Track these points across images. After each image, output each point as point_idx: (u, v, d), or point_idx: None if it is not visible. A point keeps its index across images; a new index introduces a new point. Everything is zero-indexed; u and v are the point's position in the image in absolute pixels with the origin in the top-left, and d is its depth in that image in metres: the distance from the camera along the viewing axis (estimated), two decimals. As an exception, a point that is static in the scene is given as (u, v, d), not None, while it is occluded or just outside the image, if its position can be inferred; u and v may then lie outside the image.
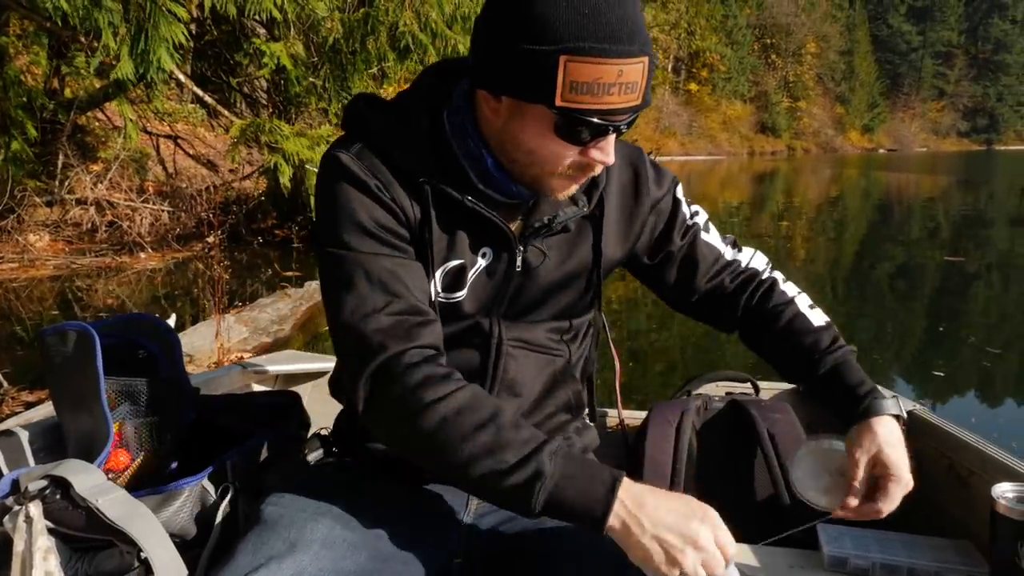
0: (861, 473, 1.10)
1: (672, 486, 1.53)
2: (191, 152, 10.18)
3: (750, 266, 1.31)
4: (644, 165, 1.21)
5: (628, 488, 0.90)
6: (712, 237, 1.29)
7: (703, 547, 0.87)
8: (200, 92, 8.60)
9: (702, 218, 1.29)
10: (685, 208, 1.27)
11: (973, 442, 1.40)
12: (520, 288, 1.10)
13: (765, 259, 1.33)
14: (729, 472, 1.56)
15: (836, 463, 1.17)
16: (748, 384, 1.79)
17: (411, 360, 0.97)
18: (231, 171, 9.65)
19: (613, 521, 0.88)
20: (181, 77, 8.28)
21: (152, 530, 1.01)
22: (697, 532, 0.88)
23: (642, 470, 1.54)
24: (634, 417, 1.75)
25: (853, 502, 1.10)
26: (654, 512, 0.88)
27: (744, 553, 1.34)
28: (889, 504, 1.09)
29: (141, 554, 0.99)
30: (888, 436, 1.11)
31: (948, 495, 1.45)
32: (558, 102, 0.91)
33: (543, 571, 0.96)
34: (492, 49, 0.96)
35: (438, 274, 1.05)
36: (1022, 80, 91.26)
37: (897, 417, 1.13)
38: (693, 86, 54.12)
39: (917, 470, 1.56)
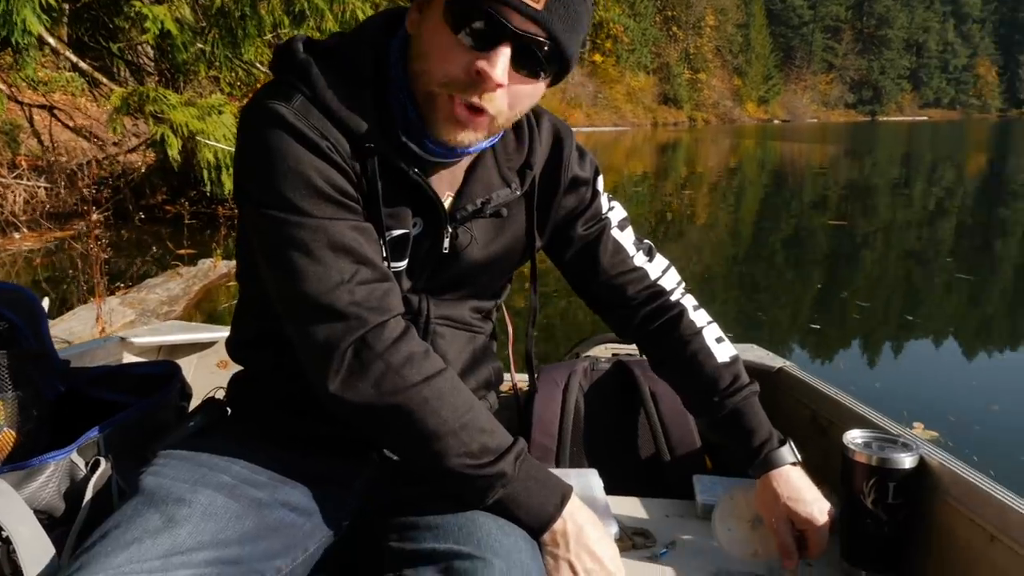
0: (781, 536, 1.16)
1: (559, 444, 1.58)
2: (70, 124, 9.54)
3: (659, 282, 1.27)
4: (569, 142, 1.17)
5: (573, 507, 0.99)
6: (623, 237, 1.26)
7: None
8: (77, 59, 8.05)
9: (617, 215, 1.26)
10: (603, 200, 1.24)
11: (832, 394, 1.51)
12: (446, 266, 1.09)
13: (677, 278, 1.29)
14: (614, 430, 1.62)
15: (753, 511, 1.22)
16: (633, 345, 1.85)
17: (392, 334, 0.96)
18: (115, 144, 9.12)
19: (549, 532, 0.97)
20: (53, 42, 7.72)
21: (12, 507, 0.96)
22: (613, 572, 0.97)
23: (531, 430, 1.59)
24: (525, 381, 1.79)
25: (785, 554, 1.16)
26: (586, 538, 0.97)
27: (625, 504, 1.41)
28: (819, 548, 1.15)
29: (2, 532, 0.94)
30: (791, 491, 1.15)
31: (811, 444, 1.56)
32: None
33: (423, 522, 0.98)
34: None
35: (384, 242, 1.03)
36: (903, 55, 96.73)
37: (795, 463, 1.18)
38: (598, 57, 54.63)
39: (783, 422, 1.69)
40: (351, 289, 0.95)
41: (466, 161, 1.08)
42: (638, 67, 60.30)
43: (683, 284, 1.30)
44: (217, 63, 7.70)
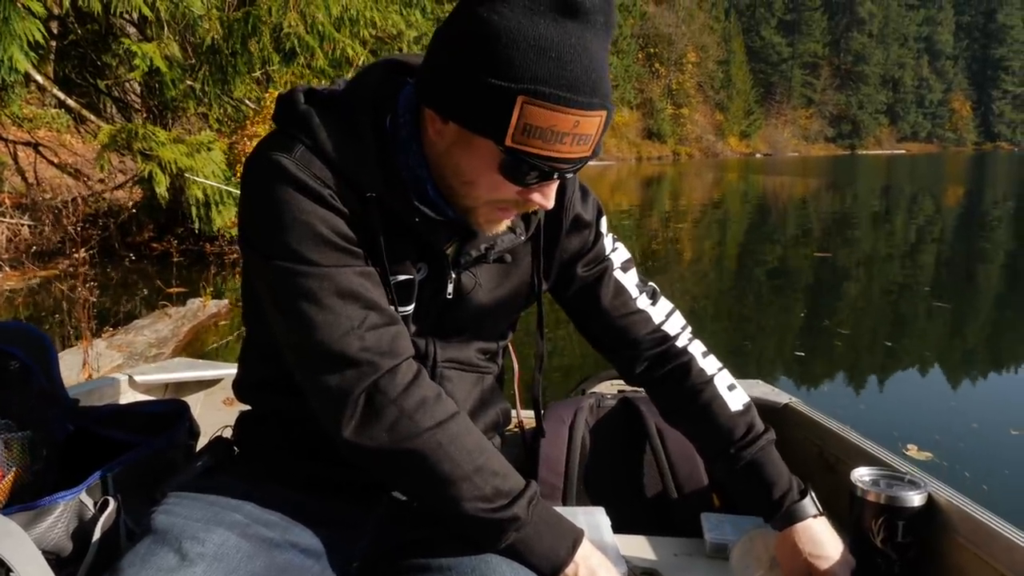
0: None
1: (566, 482, 1.58)
2: (55, 161, 9.50)
3: (663, 327, 1.26)
4: (572, 183, 1.17)
5: (585, 551, 0.99)
6: (626, 279, 1.25)
7: None
8: (63, 96, 8.06)
9: (620, 257, 1.26)
10: (606, 242, 1.24)
11: (838, 430, 1.53)
12: (452, 310, 1.10)
13: (683, 322, 1.29)
14: (620, 467, 1.62)
15: (771, 554, 1.21)
16: (637, 382, 1.86)
17: (404, 379, 0.97)
18: (101, 181, 9.08)
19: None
20: (40, 79, 7.74)
21: (21, 548, 0.95)
22: None
23: (537, 468, 1.58)
24: (531, 418, 1.79)
25: None
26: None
27: (633, 543, 1.40)
28: None
29: (11, 574, 0.93)
30: (814, 547, 1.15)
31: (818, 481, 1.56)
32: (508, 142, 0.89)
33: (434, 563, 0.98)
34: (449, 72, 0.92)
35: (389, 288, 1.04)
36: (879, 90, 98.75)
37: (817, 515, 1.17)
38: (581, 93, 55.24)
39: (791, 458, 1.70)
40: (361, 335, 0.96)
41: None
42: (622, 103, 61.13)
43: (689, 329, 1.30)
44: (206, 100, 7.74)
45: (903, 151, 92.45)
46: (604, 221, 1.24)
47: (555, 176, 0.94)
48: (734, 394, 1.25)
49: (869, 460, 1.34)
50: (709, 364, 1.26)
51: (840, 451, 1.49)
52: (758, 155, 75.75)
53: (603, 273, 1.23)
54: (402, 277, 1.05)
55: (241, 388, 1.18)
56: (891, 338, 5.83)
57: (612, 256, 1.24)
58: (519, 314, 1.25)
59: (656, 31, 66.41)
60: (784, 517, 1.18)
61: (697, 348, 1.28)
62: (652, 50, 66.84)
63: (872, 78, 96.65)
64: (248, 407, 1.18)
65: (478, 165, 0.94)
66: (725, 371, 1.27)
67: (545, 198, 0.96)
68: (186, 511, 0.99)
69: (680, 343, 1.26)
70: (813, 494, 1.19)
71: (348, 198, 0.99)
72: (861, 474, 1.23)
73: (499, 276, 1.13)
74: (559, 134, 0.88)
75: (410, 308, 1.07)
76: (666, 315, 1.27)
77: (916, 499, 1.15)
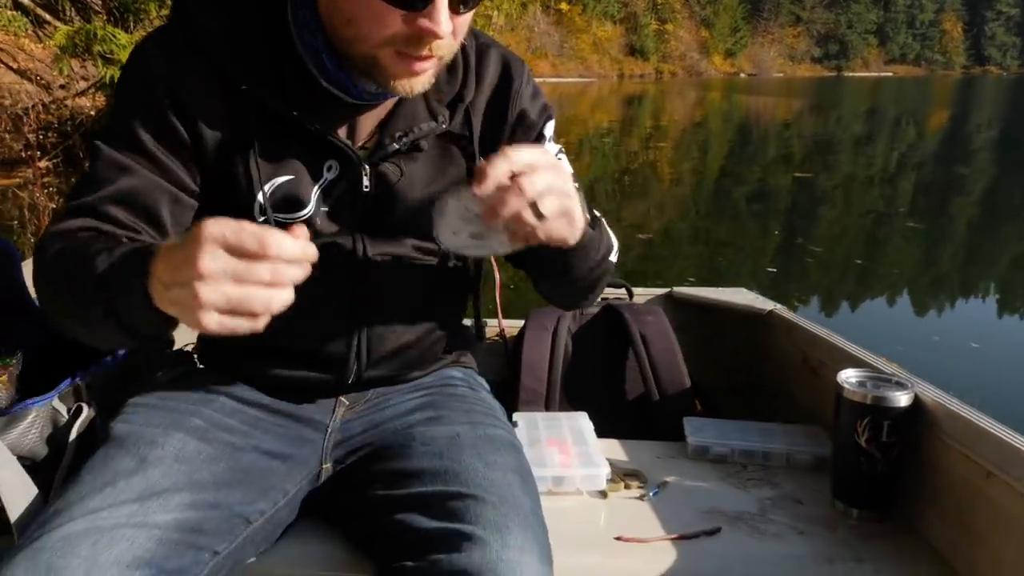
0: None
1: (548, 388, 1.58)
2: (13, 66, 9.09)
3: None
4: (520, 76, 1.11)
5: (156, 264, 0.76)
6: None
7: (207, 274, 0.67)
8: (17, -6, 7.64)
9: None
10: (549, 147, 1.14)
11: (823, 335, 1.53)
12: (378, 206, 1.05)
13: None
14: (603, 373, 1.63)
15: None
16: (623, 289, 1.85)
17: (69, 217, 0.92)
18: (62, 87, 8.73)
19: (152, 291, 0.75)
20: (-8, -24, 7.31)
21: None
22: (193, 270, 0.67)
23: (519, 373, 1.58)
24: (513, 325, 1.79)
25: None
26: (159, 265, 0.74)
27: (616, 447, 1.41)
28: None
29: None
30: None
31: (802, 385, 1.59)
32: None
33: (407, 466, 0.98)
34: None
35: (261, 193, 0.98)
36: (870, 8, 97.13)
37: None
38: (564, 5, 53.77)
39: (775, 364, 1.72)
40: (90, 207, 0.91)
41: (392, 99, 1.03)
42: (605, 16, 59.59)
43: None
44: (168, 0, 7.37)
45: (890, 73, 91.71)
46: (551, 126, 1.16)
47: None
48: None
49: (855, 363, 1.34)
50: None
51: (825, 355, 1.50)
52: (743, 75, 74.78)
53: None
54: (281, 180, 0.99)
55: None
56: (864, 257, 5.92)
57: None
58: None
59: (643, -59, 64.22)
60: None
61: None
62: (638, -39, 64.73)
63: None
64: None
65: None
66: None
67: (433, 22, 0.86)
68: (145, 419, 0.98)
69: None
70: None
71: (211, 90, 0.94)
72: (847, 375, 1.23)
73: (433, 170, 1.06)
74: None
75: (304, 212, 1.00)
76: None
77: (903, 399, 1.16)
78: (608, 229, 1.07)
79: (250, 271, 0.68)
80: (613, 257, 1.08)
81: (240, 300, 0.68)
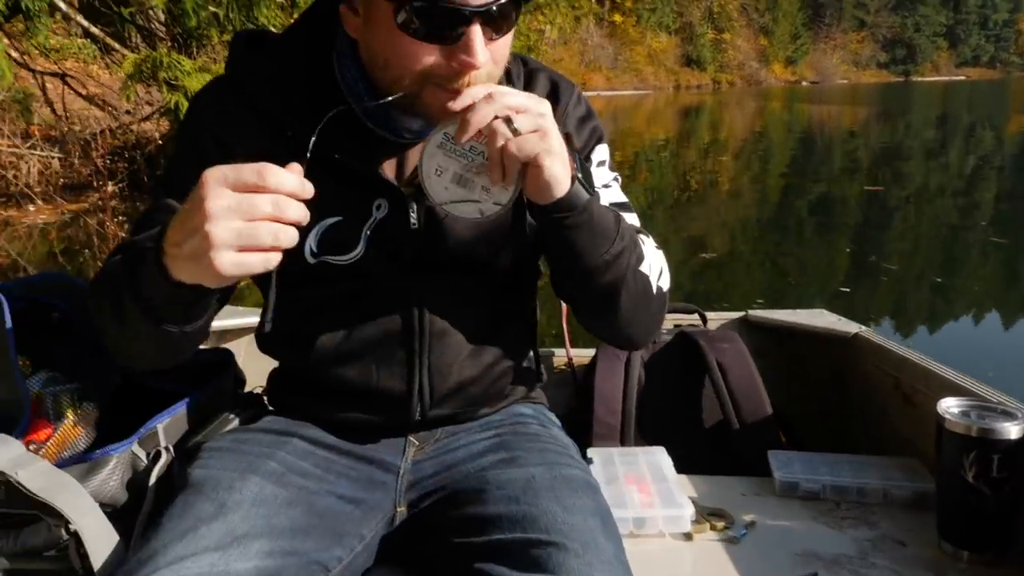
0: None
1: (623, 421, 1.55)
2: (83, 92, 9.52)
3: None
4: (567, 98, 1.10)
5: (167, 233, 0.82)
6: None
7: (214, 213, 0.74)
8: (88, 24, 8.00)
9: (610, 196, 1.11)
10: (595, 172, 1.10)
11: (917, 359, 1.46)
12: (428, 242, 1.04)
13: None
14: (679, 404, 1.59)
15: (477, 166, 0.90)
16: (695, 315, 1.81)
17: None
18: (128, 112, 9.10)
19: (168, 263, 0.81)
20: (64, 7, 7.69)
21: (79, 500, 0.97)
22: (201, 213, 0.74)
23: (592, 406, 1.55)
24: (582, 355, 1.76)
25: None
26: (171, 233, 0.80)
27: (697, 484, 1.37)
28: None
29: (70, 526, 0.95)
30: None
31: (895, 414, 1.52)
32: None
33: (483, 512, 0.96)
34: None
35: (311, 235, 1.00)
36: (939, 10, 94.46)
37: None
38: (618, 17, 53.82)
39: (863, 390, 1.65)
40: None
41: None
42: (659, 27, 59.40)
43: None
44: (231, 28, 7.62)
45: (962, 77, 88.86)
46: (601, 151, 1.13)
47: (465, 19, 0.85)
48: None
49: (954, 390, 1.27)
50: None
51: (920, 381, 1.43)
52: (804, 83, 73.50)
53: None
54: (330, 221, 1.01)
55: (263, 344, 1.17)
56: (943, 274, 5.70)
57: (600, 192, 1.10)
58: (518, 241, 1.10)
59: (698, -51, 63.97)
60: None
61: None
62: (693, -30, 64.40)
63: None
64: (275, 362, 1.19)
65: (385, 36, 0.89)
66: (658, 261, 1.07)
67: (469, 54, 0.86)
68: (222, 463, 0.99)
69: None
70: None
71: (257, 136, 0.98)
72: (948, 405, 1.17)
73: None
74: None
75: (353, 254, 1.02)
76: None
77: (1013, 430, 1.09)
78: (638, 237, 1.04)
79: (253, 202, 0.74)
80: (645, 268, 1.02)
81: (249, 233, 0.74)
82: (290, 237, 0.76)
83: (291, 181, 0.76)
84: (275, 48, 1.02)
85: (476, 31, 0.86)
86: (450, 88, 0.89)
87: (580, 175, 0.92)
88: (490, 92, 0.84)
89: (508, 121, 0.83)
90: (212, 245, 0.74)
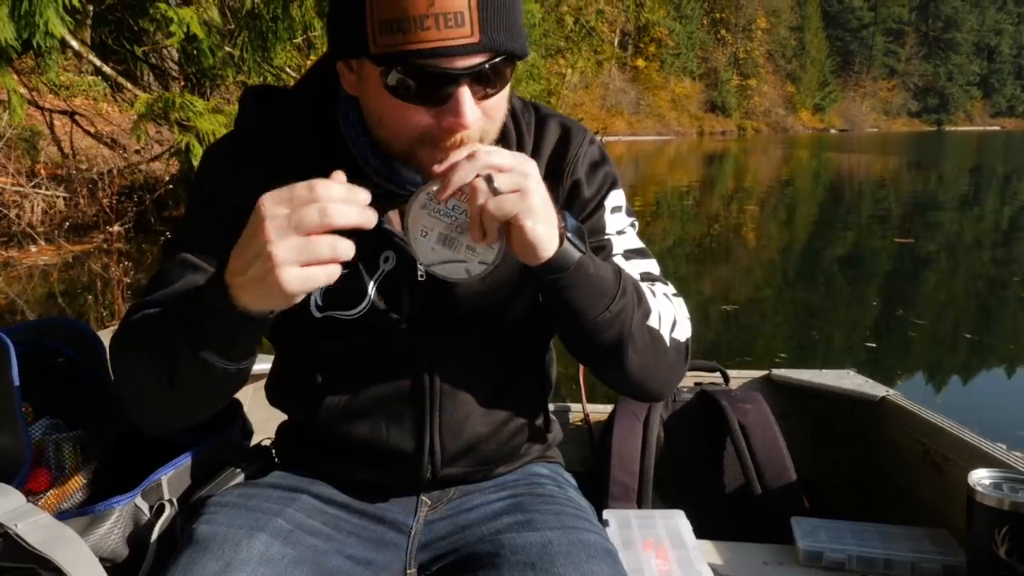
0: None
1: (640, 482, 1.55)
2: (91, 130, 9.75)
3: None
4: (577, 143, 1.11)
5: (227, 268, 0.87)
6: (628, 268, 1.07)
7: (273, 234, 0.80)
8: (100, 63, 8.26)
9: (625, 243, 1.12)
10: (608, 218, 1.12)
11: (948, 427, 1.46)
12: (436, 295, 1.06)
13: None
14: (700, 466, 1.59)
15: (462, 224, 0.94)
16: (717, 374, 1.82)
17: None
18: (137, 152, 9.31)
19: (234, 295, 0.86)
20: (76, 45, 7.94)
21: (79, 555, 0.97)
22: (262, 236, 0.81)
23: (609, 466, 1.56)
24: (599, 411, 1.77)
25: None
26: (232, 263, 0.85)
27: (717, 551, 1.37)
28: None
29: None
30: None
31: (924, 482, 1.51)
32: (373, 48, 0.85)
33: None
34: (329, 14, 0.94)
35: (318, 290, 1.03)
36: (972, 59, 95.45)
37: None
38: (640, 62, 54.79)
39: (890, 457, 1.65)
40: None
41: None
42: (684, 72, 60.29)
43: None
44: (246, 68, 7.84)
45: (997, 127, 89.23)
46: (615, 196, 1.14)
47: (451, 80, 0.87)
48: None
49: (986, 461, 1.28)
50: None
51: (950, 450, 1.43)
52: (833, 131, 73.99)
53: (595, 253, 1.07)
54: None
55: (273, 395, 1.20)
56: (974, 331, 5.66)
57: (613, 238, 1.12)
58: (528, 293, 1.12)
59: (723, -6, 65.23)
60: None
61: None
62: (718, 15, 65.67)
63: (964, 46, 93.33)
64: (284, 415, 1.21)
65: (376, 96, 0.92)
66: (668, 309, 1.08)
67: (456, 114, 0.89)
68: (228, 519, 1.00)
69: None
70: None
71: (264, 191, 0.99)
72: (980, 477, 1.17)
73: None
74: (417, 19, 0.83)
75: (360, 308, 1.04)
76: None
77: (1047, 507, 1.10)
78: (647, 289, 1.05)
79: (303, 215, 0.79)
80: (654, 322, 1.03)
81: (308, 248, 0.80)
82: (347, 248, 0.81)
83: (339, 190, 0.82)
84: (283, 104, 1.07)
85: (464, 92, 0.88)
86: (442, 147, 0.92)
87: (571, 234, 0.93)
88: (473, 151, 0.88)
89: (489, 180, 0.86)
90: (276, 264, 0.80)
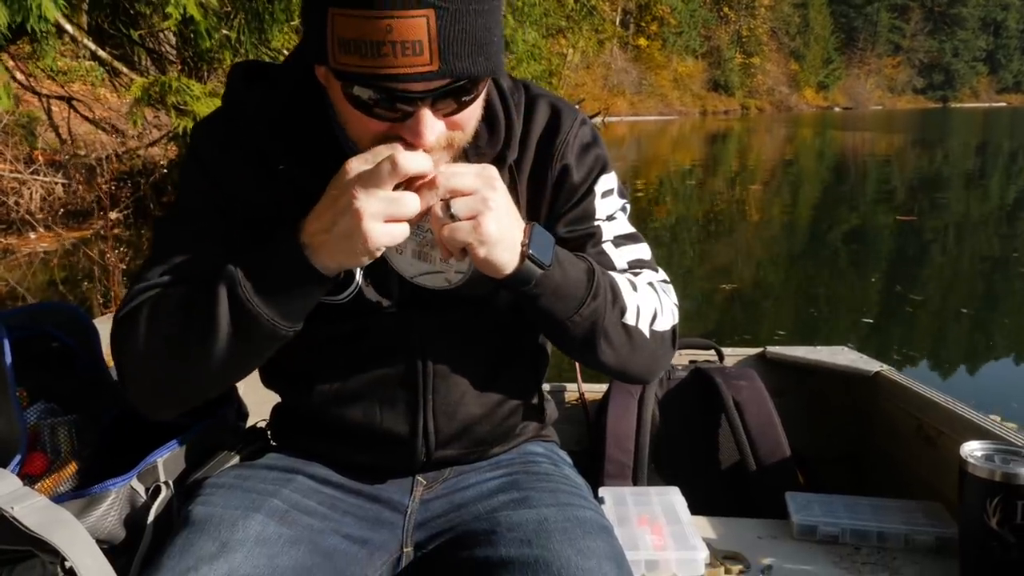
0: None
1: (635, 460, 1.57)
2: (89, 116, 9.74)
3: None
4: (568, 125, 1.10)
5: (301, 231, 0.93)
6: (617, 256, 1.11)
7: (361, 189, 0.87)
8: (96, 47, 8.22)
9: (615, 229, 1.13)
10: (598, 204, 1.12)
11: (941, 401, 1.48)
12: None
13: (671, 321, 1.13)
14: (694, 443, 1.61)
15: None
16: (712, 351, 1.83)
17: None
18: (135, 137, 9.30)
19: (311, 255, 0.92)
20: (71, 30, 7.91)
21: (76, 537, 0.97)
22: (350, 193, 0.87)
23: (604, 444, 1.58)
24: (594, 390, 1.79)
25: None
26: (315, 223, 0.91)
27: (712, 526, 1.39)
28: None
29: (65, 563, 0.96)
30: None
31: (917, 456, 1.53)
32: (332, 63, 0.85)
33: (494, 555, 0.97)
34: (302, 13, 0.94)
35: None
36: (978, 35, 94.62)
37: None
38: (642, 41, 54.39)
39: (884, 431, 1.66)
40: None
41: None
42: (686, 51, 59.91)
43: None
44: (243, 51, 7.80)
45: (1003, 103, 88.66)
46: (606, 180, 1.13)
47: (407, 100, 0.87)
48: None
49: (979, 433, 1.29)
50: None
51: (943, 423, 1.44)
52: (837, 109, 73.67)
53: (585, 240, 1.11)
54: None
55: (267, 378, 1.21)
56: (978, 308, 5.70)
57: (603, 224, 1.12)
58: None
59: (725, -29, 64.71)
60: None
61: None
62: (720, -8, 65.06)
63: (970, 21, 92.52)
64: (279, 397, 1.22)
65: (339, 102, 0.92)
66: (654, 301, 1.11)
67: (413, 133, 0.88)
68: (224, 500, 1.02)
69: None
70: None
71: (253, 170, 1.03)
72: (972, 449, 1.18)
73: None
74: (374, 44, 0.82)
75: (349, 291, 1.05)
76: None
77: (1038, 476, 1.11)
78: (622, 285, 1.06)
79: (380, 169, 0.85)
80: (631, 318, 1.05)
81: (396, 200, 0.86)
82: (425, 201, 0.88)
83: (415, 154, 0.88)
84: (271, 82, 1.06)
85: (424, 113, 0.88)
86: (407, 145, 0.90)
87: (534, 251, 0.94)
88: (435, 175, 0.89)
89: (446, 206, 0.89)
90: (363, 217, 0.85)
